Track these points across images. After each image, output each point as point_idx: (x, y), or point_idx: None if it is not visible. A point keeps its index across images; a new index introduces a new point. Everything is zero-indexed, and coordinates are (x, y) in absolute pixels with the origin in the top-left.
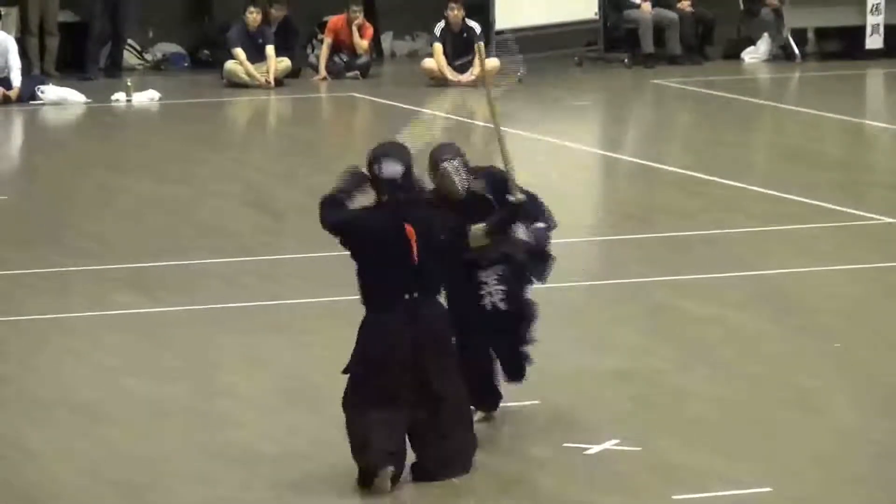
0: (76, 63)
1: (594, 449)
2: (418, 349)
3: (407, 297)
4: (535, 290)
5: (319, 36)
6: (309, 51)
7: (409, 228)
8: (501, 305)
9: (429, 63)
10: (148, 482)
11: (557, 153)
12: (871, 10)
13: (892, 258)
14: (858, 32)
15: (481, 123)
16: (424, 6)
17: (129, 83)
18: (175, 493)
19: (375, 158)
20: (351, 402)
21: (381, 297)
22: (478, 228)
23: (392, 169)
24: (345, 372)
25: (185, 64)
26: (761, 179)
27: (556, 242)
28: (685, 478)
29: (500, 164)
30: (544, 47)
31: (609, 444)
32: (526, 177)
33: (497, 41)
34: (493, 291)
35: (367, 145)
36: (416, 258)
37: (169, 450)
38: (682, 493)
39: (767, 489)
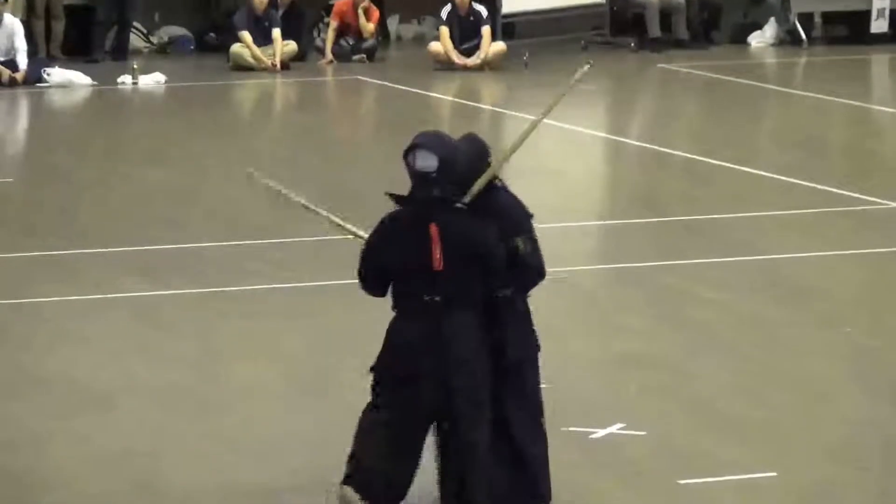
0: (82, 46)
1: (600, 433)
2: (439, 364)
3: (427, 299)
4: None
5: (326, 19)
6: (315, 34)
7: (433, 229)
8: None
9: (435, 46)
10: (154, 468)
11: (564, 137)
12: None
13: None
14: (864, 17)
15: (487, 107)
16: None
17: (135, 66)
18: (182, 478)
19: (410, 148)
20: (369, 414)
21: (403, 301)
22: None
23: (425, 161)
24: (371, 370)
25: (192, 47)
26: (768, 164)
27: (564, 226)
28: (690, 462)
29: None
30: (551, 32)
31: (615, 429)
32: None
33: None
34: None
35: (373, 129)
36: (438, 263)
37: (175, 435)
38: (688, 477)
39: (773, 474)
